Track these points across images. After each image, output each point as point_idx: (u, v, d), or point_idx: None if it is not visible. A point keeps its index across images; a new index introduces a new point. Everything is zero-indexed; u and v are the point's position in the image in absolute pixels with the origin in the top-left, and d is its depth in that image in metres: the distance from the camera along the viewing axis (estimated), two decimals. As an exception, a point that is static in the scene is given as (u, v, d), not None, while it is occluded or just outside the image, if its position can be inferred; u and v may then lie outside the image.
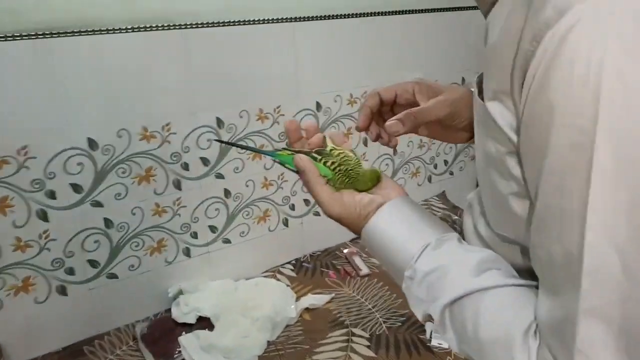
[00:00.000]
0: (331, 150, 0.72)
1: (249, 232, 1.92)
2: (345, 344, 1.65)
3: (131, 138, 1.56)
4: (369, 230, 0.67)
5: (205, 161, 1.75)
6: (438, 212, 2.29)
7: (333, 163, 0.70)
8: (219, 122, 1.72)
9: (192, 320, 1.71)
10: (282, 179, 1.93)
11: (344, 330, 1.70)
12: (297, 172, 0.72)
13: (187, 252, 1.81)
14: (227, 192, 1.83)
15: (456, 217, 2.17)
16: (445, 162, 2.45)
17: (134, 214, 1.67)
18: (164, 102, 1.56)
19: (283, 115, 1.84)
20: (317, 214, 2.06)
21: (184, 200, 1.75)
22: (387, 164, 2.24)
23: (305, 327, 1.72)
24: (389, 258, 0.65)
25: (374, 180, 0.72)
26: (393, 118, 0.75)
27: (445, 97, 0.76)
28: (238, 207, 1.88)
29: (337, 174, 0.70)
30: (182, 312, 1.73)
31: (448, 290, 0.57)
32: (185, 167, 1.72)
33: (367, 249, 0.74)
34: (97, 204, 1.60)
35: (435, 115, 0.75)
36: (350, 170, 0.71)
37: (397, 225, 0.65)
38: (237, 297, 1.75)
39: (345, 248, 2.13)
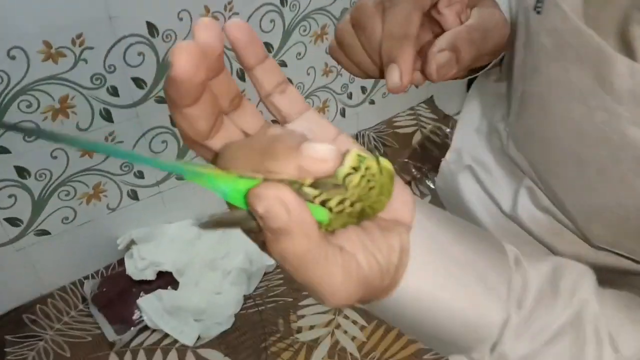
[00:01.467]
0: (347, 177, 0.31)
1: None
2: (335, 294, 1.42)
3: (29, 59, 1.18)
4: (399, 302, 0.33)
5: (139, 83, 1.34)
6: (428, 124, 1.97)
7: (341, 202, 0.29)
8: (152, 28, 1.29)
9: (151, 276, 1.44)
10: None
11: (333, 277, 1.45)
12: (252, 222, 0.28)
13: (134, 195, 1.48)
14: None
15: (448, 130, 1.85)
16: (363, 89, 2.06)
17: (54, 158, 1.31)
18: (67, 5, 1.16)
19: (237, 14, 1.40)
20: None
21: (119, 133, 1.37)
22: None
23: (286, 275, 1.46)
24: (435, 335, 0.35)
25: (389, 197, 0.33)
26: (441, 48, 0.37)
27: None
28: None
29: (340, 217, 0.30)
30: (138, 268, 1.44)
31: None
32: (114, 92, 1.31)
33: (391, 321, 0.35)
34: (3, 150, 1.23)
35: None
36: (370, 205, 0.31)
37: (441, 282, 0.33)
38: (203, 247, 1.46)
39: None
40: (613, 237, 0.37)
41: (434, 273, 0.32)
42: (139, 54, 1.30)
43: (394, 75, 0.36)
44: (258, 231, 0.28)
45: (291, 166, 0.26)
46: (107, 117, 1.34)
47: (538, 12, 0.34)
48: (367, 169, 0.29)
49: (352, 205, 0.29)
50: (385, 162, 0.30)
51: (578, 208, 0.37)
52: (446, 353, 0.36)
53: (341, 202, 0.29)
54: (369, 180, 0.30)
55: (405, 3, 0.36)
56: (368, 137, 2.05)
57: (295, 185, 0.27)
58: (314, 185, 0.28)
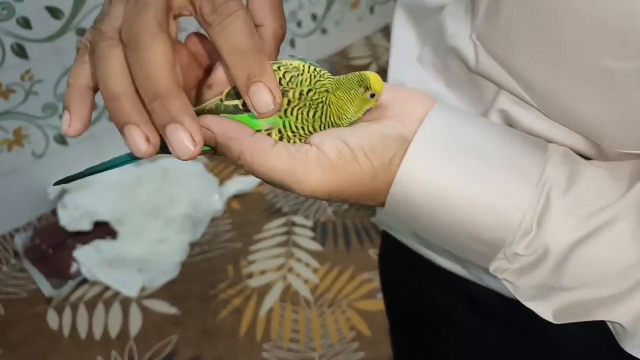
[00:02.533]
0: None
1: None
2: (285, 237, 1.37)
3: None
4: (401, 192, 0.31)
5: (55, 12, 1.17)
6: (384, 54, 1.87)
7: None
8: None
9: (87, 227, 1.34)
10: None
11: (283, 220, 1.41)
12: (212, 149, 0.31)
13: (61, 140, 1.35)
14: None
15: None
16: (313, 16, 1.92)
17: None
18: None
19: None
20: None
21: (36, 71, 1.22)
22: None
23: (235, 220, 1.41)
24: (455, 232, 0.32)
25: (366, 101, 0.32)
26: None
27: None
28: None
29: (290, 118, 0.31)
30: (72, 217, 1.34)
31: (634, 271, 0.28)
32: (25, 24, 1.15)
33: (398, 226, 0.37)
34: None
35: None
36: (316, 98, 0.31)
37: (458, 171, 0.31)
38: (143, 194, 1.37)
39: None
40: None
41: (440, 161, 0.30)
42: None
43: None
44: (212, 152, 0.31)
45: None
46: (21, 52, 1.18)
47: None
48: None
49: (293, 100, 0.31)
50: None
51: (598, 110, 0.30)
52: (476, 258, 0.33)
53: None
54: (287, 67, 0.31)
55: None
56: (320, 70, 1.95)
57: (219, 105, 0.31)
58: (231, 96, 0.31)
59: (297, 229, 1.39)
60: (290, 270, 1.34)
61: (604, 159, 0.32)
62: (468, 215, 0.30)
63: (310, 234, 1.38)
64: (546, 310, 0.31)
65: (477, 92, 0.36)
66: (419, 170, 0.30)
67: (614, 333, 0.31)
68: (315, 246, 1.35)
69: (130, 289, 1.27)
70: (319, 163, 0.30)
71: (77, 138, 1.37)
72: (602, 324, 0.33)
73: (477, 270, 0.43)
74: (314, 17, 1.85)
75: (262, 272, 1.34)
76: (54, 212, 1.40)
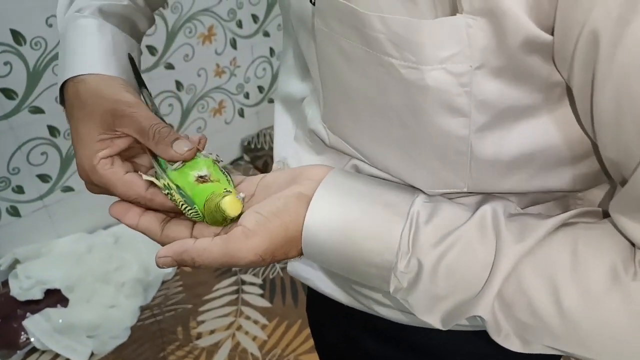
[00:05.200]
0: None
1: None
2: (235, 296, 1.42)
3: None
4: (310, 236, 0.40)
5: (9, 93, 1.26)
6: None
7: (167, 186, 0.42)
8: (17, 36, 1.22)
9: (38, 295, 1.37)
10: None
11: (232, 279, 1.46)
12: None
13: (15, 211, 1.39)
14: (54, 131, 1.38)
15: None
16: (260, 88, 2.04)
17: None
18: None
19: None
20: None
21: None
22: (170, 104, 1.73)
23: (186, 282, 1.46)
24: (355, 260, 0.39)
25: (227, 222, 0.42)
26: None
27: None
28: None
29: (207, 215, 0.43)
30: (23, 288, 1.36)
31: (484, 272, 0.36)
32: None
33: (320, 264, 0.45)
34: None
35: None
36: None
37: (349, 210, 0.39)
38: (94, 260, 1.41)
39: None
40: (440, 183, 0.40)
41: (335, 205, 0.39)
42: (5, 63, 1.23)
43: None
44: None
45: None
46: (-25, 130, 1.25)
47: (313, 4, 0.37)
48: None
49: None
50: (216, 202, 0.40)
51: (399, 162, 0.40)
52: (379, 283, 0.40)
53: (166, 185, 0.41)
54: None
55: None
56: (270, 136, 2.06)
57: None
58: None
59: (246, 287, 1.45)
60: (239, 328, 1.38)
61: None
62: (361, 244, 0.38)
63: (259, 291, 1.43)
64: (435, 319, 0.38)
65: (337, 156, 0.46)
66: (320, 216, 0.39)
67: (486, 328, 0.37)
68: (263, 303, 1.41)
69: (79, 356, 1.29)
70: (244, 235, 0.38)
71: (30, 209, 1.42)
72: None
73: (368, 302, 0.49)
74: (260, 89, 1.99)
75: (211, 332, 1.38)
76: (4, 283, 1.42)
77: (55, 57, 1.31)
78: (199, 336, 1.36)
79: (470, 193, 0.40)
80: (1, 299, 1.38)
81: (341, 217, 0.39)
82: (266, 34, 1.88)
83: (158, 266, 0.39)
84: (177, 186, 0.41)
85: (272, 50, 1.95)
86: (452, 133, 0.35)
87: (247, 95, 1.94)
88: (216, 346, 1.34)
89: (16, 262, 1.41)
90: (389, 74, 0.34)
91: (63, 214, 1.48)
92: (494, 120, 0.34)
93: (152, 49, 1.42)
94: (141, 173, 0.42)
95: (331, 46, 0.37)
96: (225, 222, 0.40)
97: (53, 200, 1.46)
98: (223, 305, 1.40)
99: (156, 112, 0.45)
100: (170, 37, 1.55)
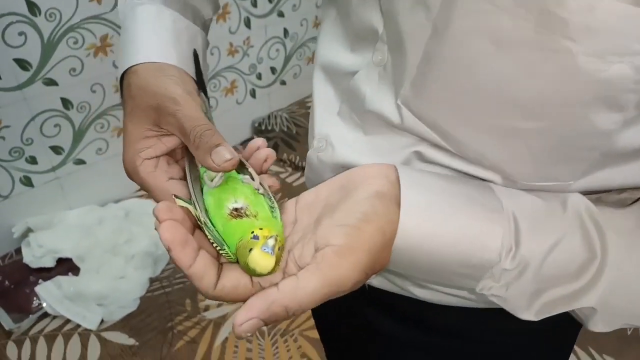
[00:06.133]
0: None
1: (108, 148, 1.54)
2: (241, 270, 1.44)
3: None
4: (403, 243, 0.34)
5: (23, 64, 1.28)
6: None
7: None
8: (32, 7, 1.23)
9: (49, 263, 1.40)
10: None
11: (239, 254, 1.47)
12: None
13: (28, 181, 1.42)
14: (67, 103, 1.40)
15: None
16: (273, 69, 2.04)
17: None
18: None
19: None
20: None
21: (5, 117, 1.32)
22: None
23: (193, 255, 1.47)
24: (448, 261, 0.35)
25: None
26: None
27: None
28: (87, 119, 1.46)
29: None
30: (36, 256, 1.40)
31: (589, 264, 0.36)
32: (-3, 73, 1.25)
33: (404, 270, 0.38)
34: None
35: None
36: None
37: (440, 209, 0.35)
38: (104, 233, 1.43)
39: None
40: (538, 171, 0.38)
41: (426, 202, 0.35)
42: (20, 33, 1.25)
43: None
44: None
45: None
46: (-10, 100, 1.28)
47: None
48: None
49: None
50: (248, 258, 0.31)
51: (502, 152, 0.37)
52: (462, 283, 0.37)
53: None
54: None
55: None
56: (281, 118, 2.07)
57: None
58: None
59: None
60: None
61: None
62: (459, 247, 0.34)
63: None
64: (530, 313, 0.37)
65: (393, 140, 0.42)
66: (415, 215, 0.34)
67: (580, 319, 0.38)
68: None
69: (90, 323, 1.32)
70: (338, 255, 0.31)
71: (43, 180, 1.45)
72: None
73: (404, 283, 0.48)
74: (273, 70, 2.00)
75: (219, 305, 1.40)
76: (17, 250, 1.46)
77: (70, 29, 1.32)
78: (207, 309, 1.39)
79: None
80: (14, 266, 1.41)
81: (434, 216, 0.34)
82: (280, 14, 1.88)
83: (239, 337, 0.30)
84: (208, 217, 0.35)
85: (286, 31, 1.95)
86: (599, 128, 0.33)
87: (259, 76, 1.94)
88: (223, 318, 1.37)
89: (29, 230, 1.44)
90: (559, 60, 0.30)
91: (75, 186, 1.51)
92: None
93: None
94: (175, 196, 0.35)
95: (477, 21, 0.32)
96: (260, 275, 0.32)
97: (65, 172, 1.48)
98: (230, 279, 1.42)
99: (206, 113, 0.40)
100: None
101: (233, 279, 0.32)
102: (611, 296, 0.35)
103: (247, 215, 0.35)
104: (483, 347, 0.52)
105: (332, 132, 0.46)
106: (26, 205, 1.44)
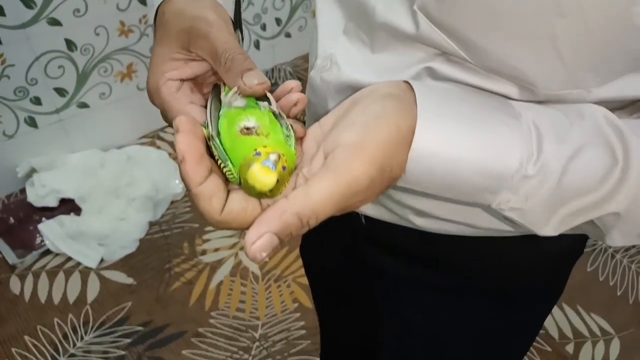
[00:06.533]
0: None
1: (111, 92, 1.55)
2: (238, 218, 1.47)
3: None
4: (425, 142, 0.32)
5: (28, 2, 1.28)
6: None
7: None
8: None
9: (52, 203, 1.44)
10: (142, 23, 1.51)
11: (237, 202, 1.50)
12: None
13: (32, 122, 1.44)
14: (70, 45, 1.40)
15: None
16: (278, 20, 2.01)
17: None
18: None
19: None
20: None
21: (9, 56, 1.32)
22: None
23: (194, 203, 1.50)
24: (466, 170, 0.33)
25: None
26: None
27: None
28: (91, 62, 1.47)
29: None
30: (39, 195, 1.43)
31: (613, 170, 0.33)
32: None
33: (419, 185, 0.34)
34: None
35: None
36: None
37: (459, 113, 0.34)
38: (106, 175, 1.46)
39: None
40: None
41: (444, 107, 0.33)
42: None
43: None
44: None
45: None
46: (-6, 38, 1.28)
47: None
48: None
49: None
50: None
51: (528, 57, 0.34)
52: (479, 197, 0.35)
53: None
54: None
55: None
56: (284, 72, 2.06)
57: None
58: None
59: (249, 211, 1.50)
60: (242, 248, 1.44)
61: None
62: (479, 153, 0.32)
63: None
64: (550, 226, 0.35)
65: (403, 56, 0.40)
66: (433, 127, 0.32)
67: (597, 234, 0.36)
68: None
69: (90, 261, 1.36)
70: (349, 151, 0.30)
71: (47, 122, 1.47)
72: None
73: (404, 212, 0.46)
74: (278, 21, 1.98)
75: (216, 250, 1.44)
76: (22, 190, 1.49)
77: (74, -31, 1.32)
78: (204, 252, 1.43)
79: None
80: (19, 204, 1.45)
81: (452, 121, 0.32)
82: (286, -36, 1.85)
83: (253, 258, 0.28)
84: (218, 133, 0.33)
85: (291, -19, 1.92)
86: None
87: (263, 27, 1.93)
88: (219, 262, 1.41)
89: (33, 170, 1.47)
90: None
91: (78, 129, 1.53)
92: None
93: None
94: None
95: None
96: (262, 195, 0.30)
97: (69, 114, 1.50)
98: (227, 226, 1.46)
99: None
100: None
101: (241, 201, 0.30)
102: (634, 203, 0.33)
103: (257, 134, 0.32)
104: (483, 282, 0.52)
105: (336, 52, 0.44)
106: (30, 146, 1.47)
